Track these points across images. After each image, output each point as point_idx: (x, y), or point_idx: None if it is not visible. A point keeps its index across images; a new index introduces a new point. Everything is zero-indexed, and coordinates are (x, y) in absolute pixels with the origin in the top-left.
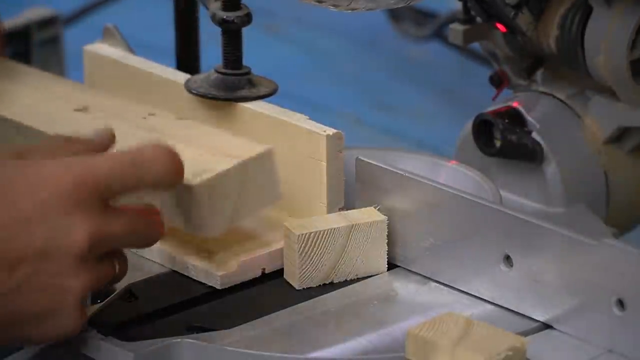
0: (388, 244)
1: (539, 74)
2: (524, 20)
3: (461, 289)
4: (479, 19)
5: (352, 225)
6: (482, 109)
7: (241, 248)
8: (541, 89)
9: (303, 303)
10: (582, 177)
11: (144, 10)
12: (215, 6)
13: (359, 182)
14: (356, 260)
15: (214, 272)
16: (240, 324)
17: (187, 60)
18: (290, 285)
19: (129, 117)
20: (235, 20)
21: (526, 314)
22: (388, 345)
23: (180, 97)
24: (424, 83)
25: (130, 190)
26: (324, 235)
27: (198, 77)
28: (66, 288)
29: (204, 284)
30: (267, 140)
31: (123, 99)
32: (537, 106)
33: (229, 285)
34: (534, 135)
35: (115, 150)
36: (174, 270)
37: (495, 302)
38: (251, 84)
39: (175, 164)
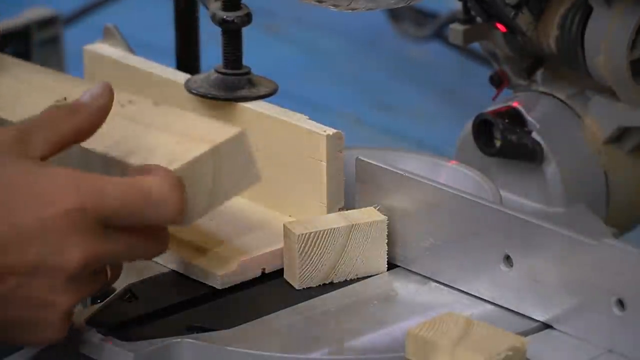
0: (388, 244)
1: (539, 74)
2: (524, 20)
3: (461, 289)
4: (479, 19)
5: (352, 225)
6: (482, 109)
7: (241, 248)
8: (541, 89)
9: (303, 303)
10: (582, 177)
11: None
12: (215, 6)
13: (359, 182)
14: (356, 260)
15: (214, 272)
16: (240, 324)
17: (187, 60)
18: (290, 285)
19: None
20: (235, 20)
21: (526, 314)
22: (388, 345)
23: (180, 97)
24: (424, 83)
25: (133, 223)
26: (324, 235)
27: (198, 77)
28: (53, 303)
29: (204, 284)
30: (267, 140)
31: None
32: (537, 106)
33: (229, 285)
34: (534, 135)
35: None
36: (174, 270)
37: (495, 302)
38: (251, 83)
39: (183, 205)
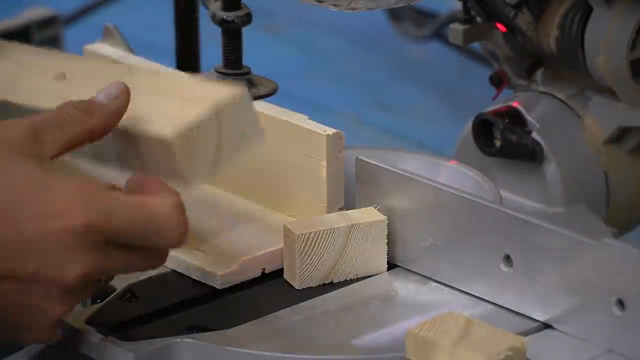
0: (388, 244)
1: (539, 74)
2: (524, 20)
3: (461, 288)
4: (479, 19)
5: (352, 225)
6: (482, 109)
7: (241, 248)
8: (541, 89)
9: (303, 303)
10: (582, 177)
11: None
12: (215, 6)
13: (359, 182)
14: (356, 260)
15: (214, 272)
16: (240, 324)
17: (187, 60)
18: (290, 285)
19: (106, 78)
20: (235, 20)
21: (526, 314)
22: (388, 345)
23: None
24: (424, 83)
25: (135, 244)
26: (324, 235)
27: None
28: (46, 310)
29: (204, 284)
30: (267, 140)
31: (99, 61)
32: (537, 106)
33: (229, 285)
34: (534, 135)
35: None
36: (174, 270)
37: (495, 302)
38: (251, 83)
39: (187, 230)
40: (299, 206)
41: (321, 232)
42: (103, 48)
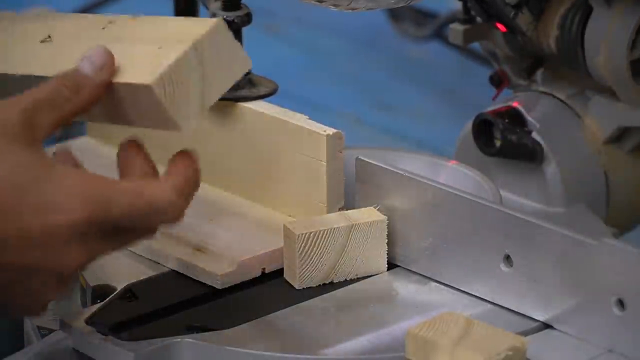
0: (388, 244)
1: (539, 74)
2: (524, 20)
3: (461, 288)
4: (479, 19)
5: (352, 225)
6: (482, 109)
7: (241, 248)
8: (541, 89)
9: (303, 303)
10: (582, 177)
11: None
12: (215, 6)
13: (359, 182)
14: (356, 260)
15: (214, 272)
16: (240, 324)
17: None
18: (290, 285)
19: (89, 33)
20: (235, 20)
21: (526, 314)
22: (388, 345)
23: None
24: (424, 83)
25: (134, 228)
26: (324, 235)
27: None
28: (44, 295)
29: (204, 284)
30: (267, 140)
31: (81, 17)
32: (537, 106)
33: (229, 285)
34: (534, 135)
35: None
36: (174, 270)
37: (495, 302)
38: (251, 83)
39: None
40: (299, 206)
41: (321, 232)
42: None
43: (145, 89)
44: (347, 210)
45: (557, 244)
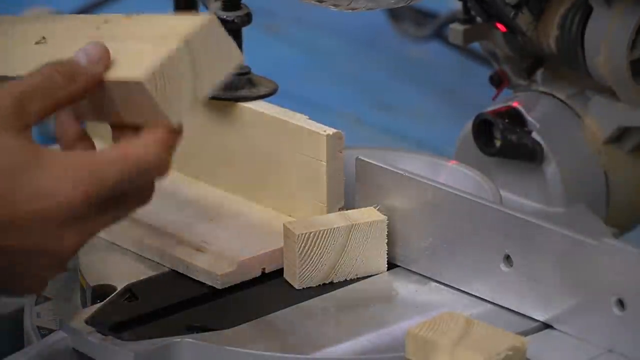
0: (388, 244)
1: (539, 74)
2: (524, 20)
3: (461, 289)
4: (479, 19)
5: (352, 225)
6: (482, 109)
7: (241, 248)
8: (541, 89)
9: (303, 303)
10: (582, 177)
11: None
12: (215, 6)
13: (359, 182)
14: (356, 260)
15: (214, 272)
16: (240, 324)
17: None
18: (290, 285)
19: (84, 33)
20: (235, 20)
21: (526, 314)
22: (388, 345)
23: None
24: (424, 83)
25: (126, 192)
26: (324, 235)
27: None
28: (44, 276)
29: (204, 284)
30: (267, 140)
31: (77, 18)
32: (537, 106)
33: (229, 285)
34: (534, 135)
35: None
36: (174, 270)
37: (495, 302)
38: (251, 83)
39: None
40: (299, 206)
41: (321, 232)
42: None
43: (136, 84)
44: (347, 210)
45: (557, 244)
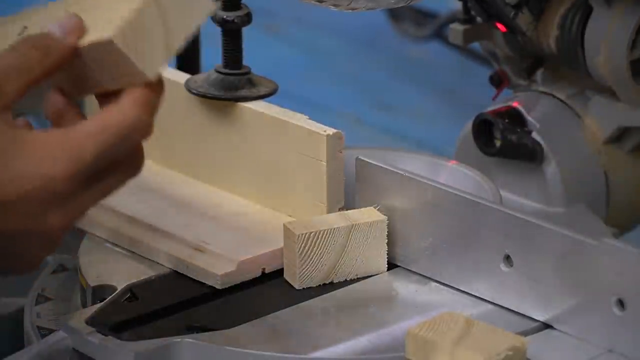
0: (388, 244)
1: (539, 74)
2: (524, 20)
3: (461, 289)
4: (479, 19)
5: (352, 225)
6: (482, 109)
7: (241, 248)
8: (541, 89)
9: (303, 303)
10: (582, 177)
11: None
12: (216, 6)
13: (359, 182)
14: (356, 260)
15: (214, 272)
16: (240, 324)
17: (187, 60)
18: (290, 285)
19: (59, 14)
20: (235, 20)
21: (526, 314)
22: (388, 345)
23: (181, 97)
24: (424, 83)
25: (111, 160)
26: (324, 235)
27: (198, 77)
28: (37, 256)
29: (204, 284)
30: (267, 140)
31: (55, 4)
32: (537, 106)
33: (229, 285)
34: (534, 135)
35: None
36: (174, 270)
37: (495, 302)
38: (251, 83)
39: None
40: (299, 206)
41: (321, 232)
42: None
43: (108, 44)
44: (347, 210)
45: (557, 244)
